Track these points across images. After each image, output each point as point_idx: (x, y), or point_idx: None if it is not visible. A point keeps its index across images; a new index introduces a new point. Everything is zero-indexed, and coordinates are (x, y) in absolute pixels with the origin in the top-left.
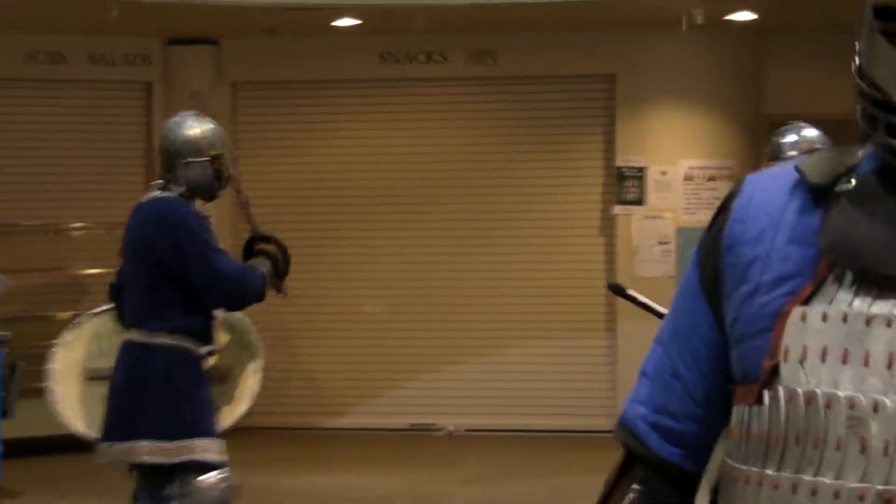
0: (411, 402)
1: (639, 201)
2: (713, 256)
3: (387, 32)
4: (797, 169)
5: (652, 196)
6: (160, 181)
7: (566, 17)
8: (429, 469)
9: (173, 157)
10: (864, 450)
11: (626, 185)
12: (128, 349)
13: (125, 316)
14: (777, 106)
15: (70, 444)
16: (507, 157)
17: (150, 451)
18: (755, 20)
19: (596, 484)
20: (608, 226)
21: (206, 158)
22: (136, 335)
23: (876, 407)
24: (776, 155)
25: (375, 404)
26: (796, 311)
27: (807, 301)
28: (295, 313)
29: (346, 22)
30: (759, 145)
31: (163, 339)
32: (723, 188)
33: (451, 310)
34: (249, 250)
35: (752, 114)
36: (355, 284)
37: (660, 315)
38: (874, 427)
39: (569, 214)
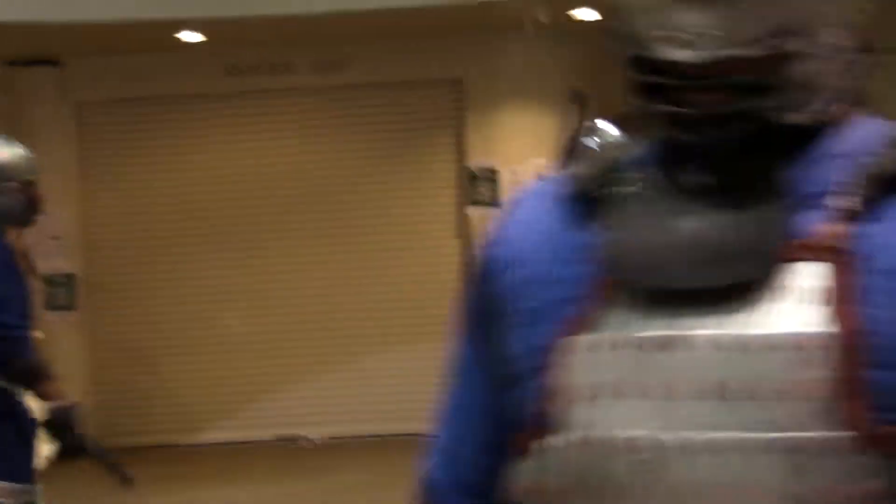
0: (276, 413)
1: (494, 202)
2: (480, 300)
3: (232, 45)
4: (562, 177)
5: (506, 195)
6: None
7: (412, 24)
8: (295, 479)
9: None
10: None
11: (478, 187)
12: None
13: None
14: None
15: None
16: (359, 165)
17: None
18: (599, 21)
19: None
20: (463, 228)
21: (15, 184)
22: None
23: (683, 446)
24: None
25: (240, 417)
26: (578, 342)
27: (589, 329)
28: (155, 331)
29: (190, 36)
30: None
31: None
32: None
33: (312, 319)
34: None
35: (605, 111)
36: (213, 300)
37: None
38: (677, 470)
39: (424, 218)
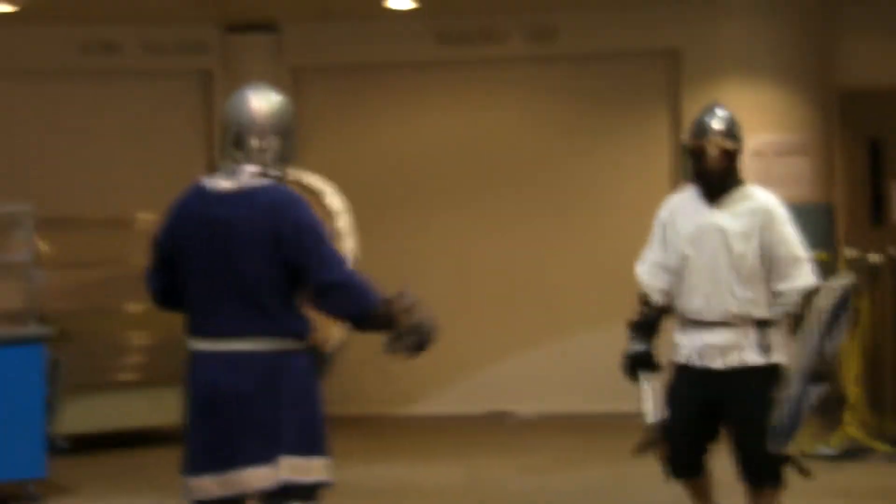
0: (484, 389)
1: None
2: None
3: (443, 13)
4: None
5: None
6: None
7: None
8: (492, 456)
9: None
10: None
11: None
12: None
13: (207, 325)
14: (849, 77)
15: (122, 441)
16: (571, 137)
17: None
18: None
19: (646, 472)
20: None
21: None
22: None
23: None
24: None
25: (449, 391)
26: None
27: None
28: None
29: (401, 4)
30: (830, 118)
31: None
32: (794, 163)
33: (522, 293)
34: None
35: (824, 86)
36: (423, 269)
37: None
38: None
39: (635, 195)
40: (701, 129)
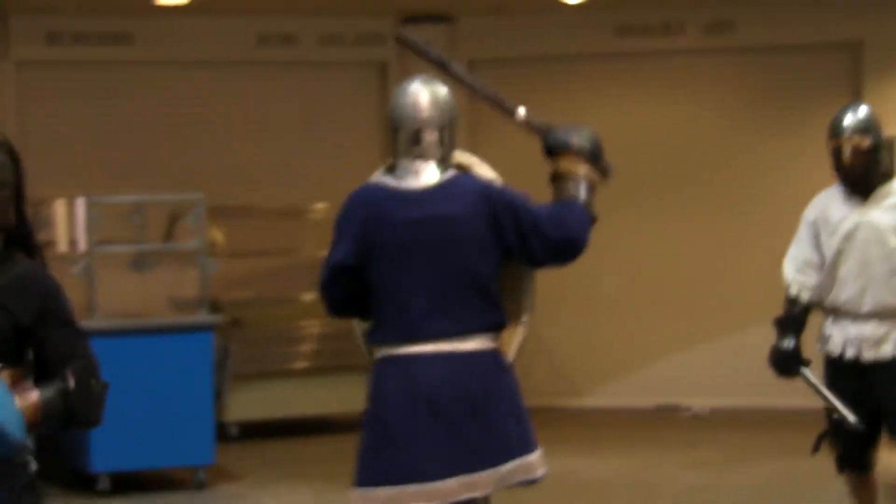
0: (655, 382)
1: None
2: None
3: (619, 6)
4: None
5: None
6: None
7: None
8: (662, 450)
9: (447, 126)
10: None
11: None
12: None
13: (430, 326)
14: None
15: (291, 429)
16: (747, 132)
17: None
18: None
19: (815, 468)
20: None
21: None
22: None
23: None
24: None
25: (618, 384)
26: None
27: None
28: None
29: None
30: None
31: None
32: None
33: (694, 288)
34: None
35: None
36: (596, 262)
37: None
38: None
39: (814, 190)
40: (835, 129)
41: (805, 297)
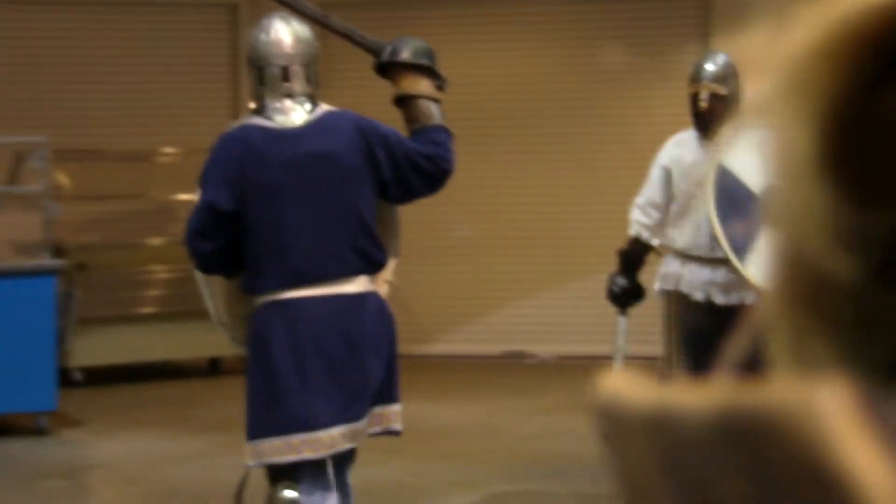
0: (504, 329)
1: None
2: None
3: None
4: None
5: None
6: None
7: None
8: (507, 397)
9: (312, 62)
10: None
11: None
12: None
13: (311, 269)
14: None
15: (137, 374)
16: (596, 78)
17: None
18: None
19: None
20: None
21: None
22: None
23: None
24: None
25: (467, 331)
26: None
27: None
28: None
29: None
30: None
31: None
32: None
33: (543, 235)
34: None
35: None
36: (445, 209)
37: None
38: None
39: (663, 137)
40: (695, 75)
41: (644, 235)
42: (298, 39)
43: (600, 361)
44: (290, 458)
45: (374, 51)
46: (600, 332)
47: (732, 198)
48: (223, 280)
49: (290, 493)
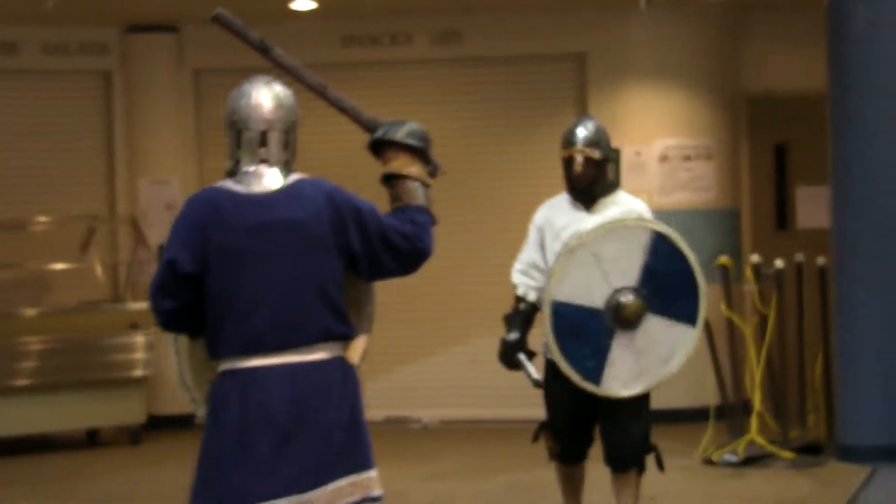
0: (386, 394)
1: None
2: None
3: (347, 16)
4: None
5: (626, 177)
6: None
7: None
8: (396, 464)
9: (292, 129)
10: None
11: None
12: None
13: (273, 337)
14: (756, 82)
15: (12, 448)
16: (477, 141)
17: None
18: None
19: (550, 477)
20: None
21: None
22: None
23: None
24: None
25: None
26: None
27: None
28: None
29: (303, 5)
30: (737, 123)
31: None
32: (699, 168)
33: (427, 299)
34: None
35: (730, 91)
36: None
37: None
38: None
39: (542, 198)
40: (568, 139)
41: (531, 297)
42: (279, 105)
43: (484, 425)
44: None
45: (368, 127)
46: (484, 395)
47: (571, 326)
48: (188, 341)
49: None
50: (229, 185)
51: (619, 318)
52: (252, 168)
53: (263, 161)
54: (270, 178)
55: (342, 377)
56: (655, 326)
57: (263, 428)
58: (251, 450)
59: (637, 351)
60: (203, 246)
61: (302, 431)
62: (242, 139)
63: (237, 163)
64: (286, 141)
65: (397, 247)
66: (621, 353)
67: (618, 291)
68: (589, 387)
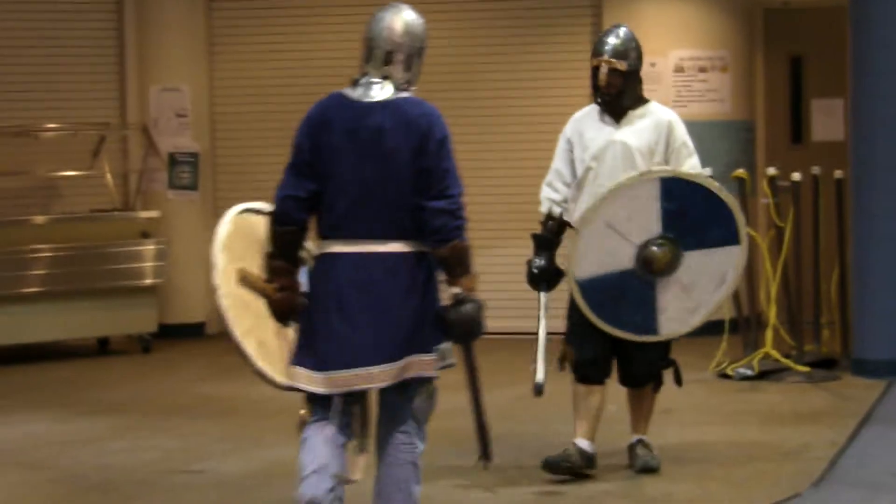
0: None
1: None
2: None
3: None
4: None
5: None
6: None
7: None
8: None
9: (416, 54)
10: None
11: None
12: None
13: (351, 227)
14: None
15: (24, 355)
16: (489, 51)
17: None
18: None
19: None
20: None
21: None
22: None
23: None
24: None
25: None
26: None
27: None
28: None
29: None
30: (752, 34)
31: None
32: (715, 79)
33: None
34: None
35: (746, 1)
36: None
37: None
38: None
39: (557, 110)
40: (597, 49)
41: (556, 211)
42: (406, 31)
43: (489, 336)
44: (310, 388)
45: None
46: (508, 307)
47: (606, 294)
48: (255, 344)
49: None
50: (348, 91)
51: (652, 271)
52: (371, 80)
53: (386, 77)
54: (379, 91)
55: (409, 269)
56: (696, 261)
57: (334, 307)
58: (328, 325)
59: (685, 288)
60: (315, 139)
61: (363, 313)
62: (372, 55)
63: (364, 74)
64: (408, 63)
65: (431, 209)
66: (670, 297)
67: (643, 246)
68: (650, 338)
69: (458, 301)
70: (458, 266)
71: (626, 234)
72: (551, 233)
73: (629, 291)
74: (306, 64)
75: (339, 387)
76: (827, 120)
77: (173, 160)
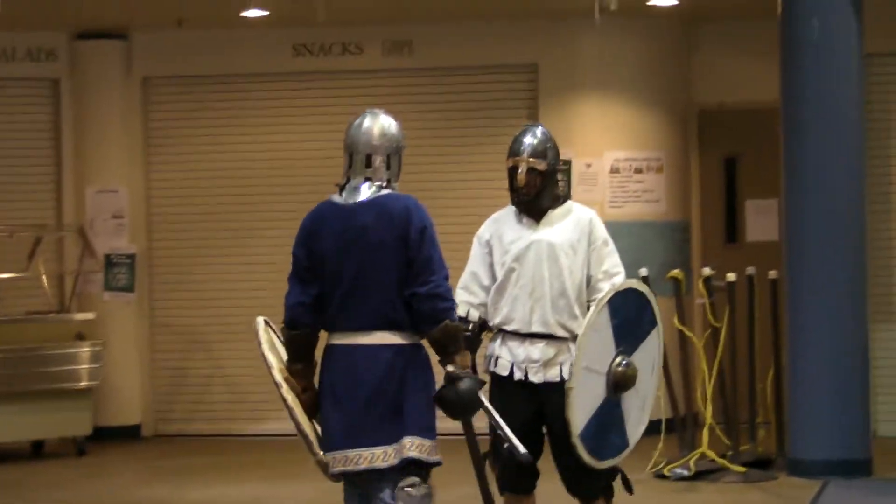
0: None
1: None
2: None
3: (298, 25)
4: None
5: (577, 189)
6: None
7: (485, 8)
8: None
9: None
10: None
11: None
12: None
13: (342, 321)
14: (706, 94)
15: None
16: (428, 151)
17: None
18: (678, 6)
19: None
20: None
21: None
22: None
23: None
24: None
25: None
26: None
27: None
28: (213, 315)
29: (254, 13)
30: (687, 135)
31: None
32: (650, 180)
33: None
34: None
35: (681, 103)
36: (268, 285)
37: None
38: None
39: (494, 207)
40: (514, 149)
41: (474, 315)
42: (383, 133)
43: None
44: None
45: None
46: None
47: (597, 429)
48: (293, 395)
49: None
50: (335, 197)
51: (626, 388)
52: (356, 184)
53: (368, 179)
54: (363, 192)
55: (392, 359)
56: (638, 358)
57: (330, 394)
58: (327, 411)
59: (635, 388)
60: (309, 247)
61: (353, 401)
62: (353, 160)
63: (348, 180)
64: (388, 163)
65: (419, 293)
66: (629, 404)
67: (608, 371)
68: (626, 453)
69: (453, 379)
70: (451, 345)
71: (599, 369)
72: (473, 333)
73: (607, 417)
74: (243, 165)
75: (341, 465)
76: (761, 220)
77: (109, 262)
